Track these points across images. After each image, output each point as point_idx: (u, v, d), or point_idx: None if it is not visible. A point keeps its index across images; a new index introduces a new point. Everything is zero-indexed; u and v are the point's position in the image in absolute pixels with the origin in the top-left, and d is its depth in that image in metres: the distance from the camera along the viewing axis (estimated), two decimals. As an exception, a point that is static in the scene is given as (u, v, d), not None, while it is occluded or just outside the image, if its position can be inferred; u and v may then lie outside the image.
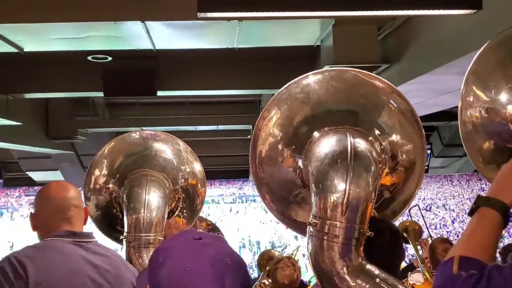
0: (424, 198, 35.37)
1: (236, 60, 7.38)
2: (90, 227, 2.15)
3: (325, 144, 1.70)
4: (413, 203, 2.08)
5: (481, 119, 1.41)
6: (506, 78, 1.35)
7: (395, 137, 1.78)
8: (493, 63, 1.43)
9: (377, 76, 1.84)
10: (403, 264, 3.78)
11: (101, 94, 7.80)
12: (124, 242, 2.15)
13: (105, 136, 11.87)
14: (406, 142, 1.78)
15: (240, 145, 14.55)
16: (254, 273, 11.64)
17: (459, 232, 27.31)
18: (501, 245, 4.20)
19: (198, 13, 2.47)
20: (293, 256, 4.27)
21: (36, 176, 15.64)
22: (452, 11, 2.61)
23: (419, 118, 1.80)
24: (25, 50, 5.61)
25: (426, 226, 3.82)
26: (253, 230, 33.48)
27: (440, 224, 31.87)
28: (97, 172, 2.34)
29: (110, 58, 6.78)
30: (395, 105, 1.79)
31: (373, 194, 1.61)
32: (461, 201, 34.58)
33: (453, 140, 13.42)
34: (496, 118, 1.36)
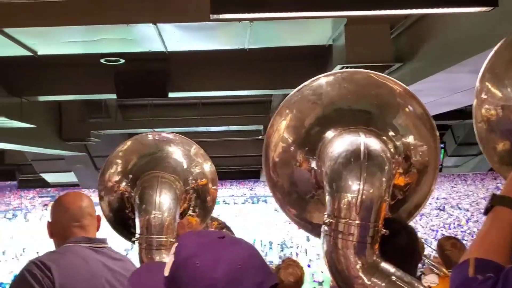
0: (437, 198, 35.07)
1: (247, 61, 7.39)
2: (103, 229, 2.19)
3: (338, 144, 1.70)
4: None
5: (496, 117, 1.39)
6: None
7: (408, 138, 1.76)
8: (509, 60, 1.41)
9: (389, 77, 1.84)
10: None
11: (113, 96, 7.85)
12: (136, 244, 2.17)
13: (118, 137, 11.95)
14: (419, 143, 1.77)
15: (251, 146, 14.56)
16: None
17: (474, 232, 27.03)
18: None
19: (211, 15, 2.49)
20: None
21: (50, 177, 15.81)
22: (467, 9, 2.58)
23: (432, 119, 1.79)
24: (38, 53, 5.67)
25: (427, 244, 3.75)
26: (265, 231, 33.44)
27: (454, 223, 31.58)
28: (111, 172, 2.36)
29: (122, 61, 6.82)
30: (408, 106, 1.78)
31: (387, 194, 1.61)
32: (475, 200, 34.23)
33: (467, 138, 13.30)
34: None
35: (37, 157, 13.73)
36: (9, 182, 29.39)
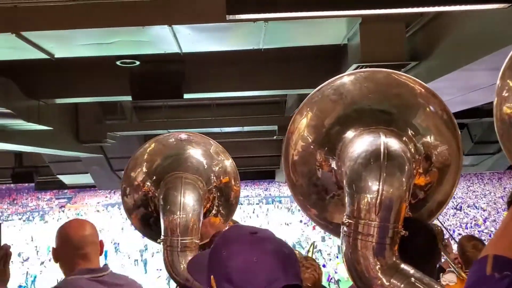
0: (454, 197, 34.73)
1: (261, 61, 7.39)
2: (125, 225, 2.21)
3: (358, 144, 1.69)
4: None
5: None
6: None
7: (429, 138, 1.75)
8: None
9: (409, 76, 1.82)
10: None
11: (129, 98, 7.91)
12: (161, 245, 2.19)
13: (134, 139, 12.05)
14: (440, 143, 1.75)
15: (266, 146, 14.58)
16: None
17: (491, 231, 26.70)
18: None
19: (227, 16, 2.50)
20: (309, 255, 4.23)
21: (67, 179, 16.00)
22: (484, 6, 2.55)
23: (454, 118, 1.77)
24: (55, 56, 5.73)
25: (444, 227, 3.74)
26: (280, 231, 33.49)
27: (471, 223, 31.24)
28: (136, 170, 2.40)
29: (137, 63, 6.87)
30: (429, 105, 1.76)
31: (407, 194, 1.60)
32: (493, 199, 33.81)
33: (484, 137, 13.12)
34: None
35: (54, 159, 13.90)
36: (27, 184, 29.81)
